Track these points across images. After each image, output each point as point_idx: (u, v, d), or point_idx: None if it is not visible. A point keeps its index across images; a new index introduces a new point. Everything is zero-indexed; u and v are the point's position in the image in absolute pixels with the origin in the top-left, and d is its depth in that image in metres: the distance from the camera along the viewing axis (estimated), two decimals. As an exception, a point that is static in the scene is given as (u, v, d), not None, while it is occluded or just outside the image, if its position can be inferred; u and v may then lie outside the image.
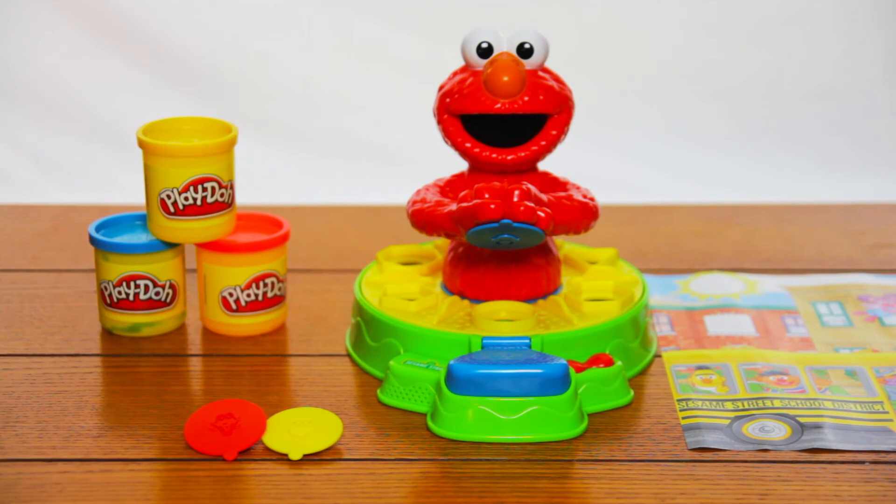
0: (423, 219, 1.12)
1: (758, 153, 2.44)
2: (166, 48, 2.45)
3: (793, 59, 2.46)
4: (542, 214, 1.04)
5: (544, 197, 1.09)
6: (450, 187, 1.16)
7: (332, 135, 2.46)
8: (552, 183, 1.15)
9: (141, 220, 1.21)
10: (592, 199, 1.13)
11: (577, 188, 1.14)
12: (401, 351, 1.12)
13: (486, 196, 1.05)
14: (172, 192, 1.15)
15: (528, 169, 1.14)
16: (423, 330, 1.12)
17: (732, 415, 1.08)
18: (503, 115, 1.11)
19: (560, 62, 1.18)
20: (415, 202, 1.14)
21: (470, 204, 1.05)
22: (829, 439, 1.04)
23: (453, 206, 1.09)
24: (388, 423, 1.07)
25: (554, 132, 1.12)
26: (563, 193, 1.12)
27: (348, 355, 1.18)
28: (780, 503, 0.97)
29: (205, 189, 1.15)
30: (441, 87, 1.13)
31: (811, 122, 2.44)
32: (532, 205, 1.04)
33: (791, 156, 2.43)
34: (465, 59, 1.13)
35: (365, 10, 2.46)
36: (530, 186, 1.06)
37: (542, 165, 1.17)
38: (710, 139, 2.45)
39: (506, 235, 1.06)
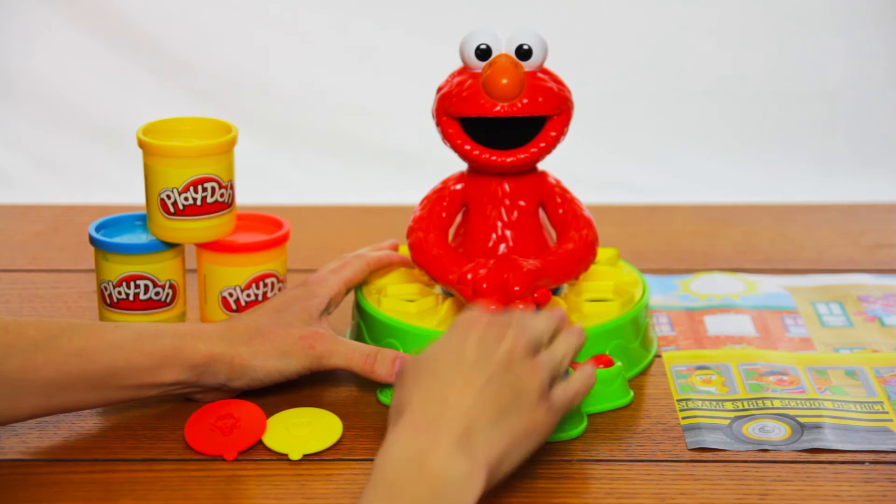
0: (421, 264, 1.14)
1: (758, 153, 2.44)
2: (166, 48, 2.45)
3: (793, 59, 2.46)
4: (541, 297, 1.08)
5: (539, 265, 1.10)
6: (450, 203, 1.15)
7: (332, 135, 2.46)
8: (547, 195, 1.15)
9: (141, 220, 1.21)
10: (588, 228, 1.13)
11: (573, 208, 1.14)
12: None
13: (484, 286, 1.08)
14: (172, 192, 1.15)
15: (527, 170, 1.14)
16: (423, 331, 1.12)
17: (732, 415, 1.08)
18: (502, 118, 1.11)
19: (560, 63, 1.17)
20: (415, 232, 1.14)
21: (470, 295, 1.08)
22: (829, 439, 1.04)
23: (453, 278, 1.11)
24: (388, 423, 1.07)
25: (553, 133, 1.12)
26: (559, 248, 1.13)
27: (348, 355, 1.18)
28: (780, 503, 0.97)
29: (205, 189, 1.15)
30: (439, 89, 1.13)
31: (811, 122, 2.45)
32: (531, 294, 1.08)
33: (791, 156, 2.43)
34: (464, 60, 1.13)
35: (365, 11, 2.46)
36: (526, 265, 1.08)
37: (542, 165, 1.17)
38: (710, 139, 2.45)
39: None
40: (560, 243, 1.14)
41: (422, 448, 0.88)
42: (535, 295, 1.09)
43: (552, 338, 1.00)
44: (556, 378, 0.97)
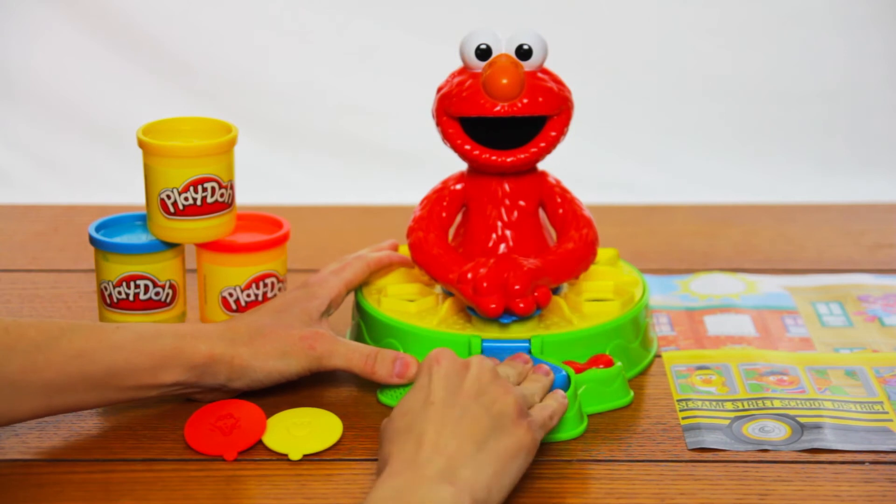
0: (421, 264, 1.14)
1: (758, 154, 2.44)
2: (166, 48, 2.45)
3: (793, 60, 2.46)
4: (541, 296, 1.09)
5: (540, 264, 1.10)
6: (450, 203, 1.15)
7: (332, 135, 2.46)
8: (547, 195, 1.15)
9: (141, 220, 1.21)
10: (588, 227, 1.14)
11: (573, 208, 1.14)
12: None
13: (485, 285, 1.08)
14: (172, 192, 1.15)
15: (527, 170, 1.14)
16: (423, 331, 1.12)
17: (732, 415, 1.08)
18: (502, 118, 1.11)
19: (560, 63, 1.18)
20: (415, 232, 1.14)
21: (470, 294, 1.09)
22: (829, 439, 1.04)
23: (454, 277, 1.11)
24: (388, 423, 1.07)
25: (553, 133, 1.12)
26: (560, 248, 1.13)
27: (348, 355, 1.18)
28: (780, 503, 0.97)
29: (205, 189, 1.15)
30: (440, 89, 1.13)
31: (811, 122, 2.45)
32: (531, 294, 1.08)
33: (791, 156, 2.43)
34: (464, 60, 1.13)
35: (365, 11, 2.46)
36: (526, 264, 1.08)
37: (542, 165, 1.17)
38: (710, 139, 2.45)
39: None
40: (560, 243, 1.14)
41: (403, 485, 0.87)
42: (536, 294, 1.09)
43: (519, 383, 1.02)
44: (529, 406, 0.98)
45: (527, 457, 0.93)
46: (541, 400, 1.00)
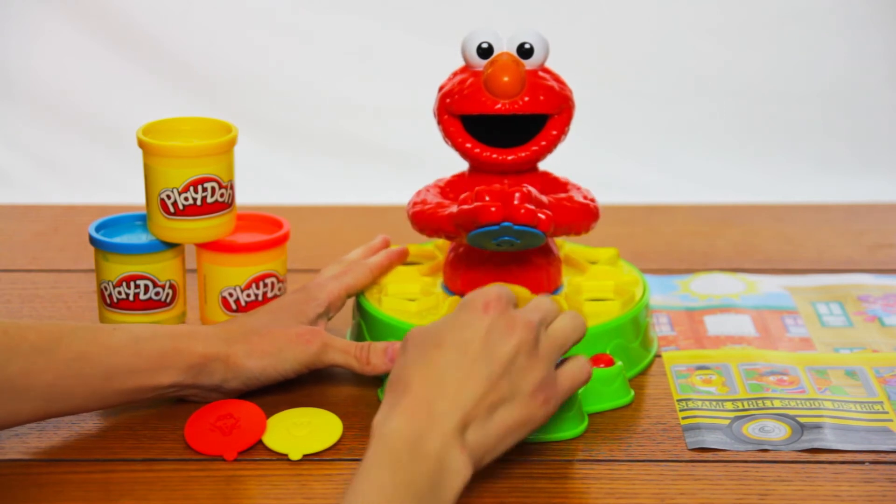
0: (424, 220, 1.12)
1: (758, 153, 2.44)
2: (166, 48, 2.45)
3: (793, 59, 2.46)
4: (543, 217, 1.05)
5: (545, 199, 1.09)
6: (450, 188, 1.16)
7: (332, 135, 2.46)
8: (552, 183, 1.15)
9: (141, 220, 1.21)
10: (593, 200, 1.13)
11: (578, 189, 1.15)
12: (401, 351, 1.12)
13: (487, 199, 1.05)
14: (172, 192, 1.15)
15: (528, 169, 1.14)
16: (423, 330, 1.11)
17: (732, 415, 1.08)
18: (503, 116, 1.11)
19: (560, 63, 1.18)
20: (415, 203, 1.14)
21: (470, 206, 1.06)
22: (829, 439, 1.04)
23: (454, 209, 1.09)
24: (388, 423, 1.07)
25: (554, 132, 1.12)
26: (563, 195, 1.12)
27: (348, 355, 1.18)
28: (780, 503, 0.97)
29: (205, 189, 1.15)
30: (441, 88, 1.13)
31: (811, 122, 2.45)
32: (532, 207, 1.05)
33: (791, 156, 2.44)
34: (465, 59, 1.13)
35: (365, 11, 2.46)
36: (531, 189, 1.07)
37: (543, 165, 1.17)
38: (710, 139, 2.46)
39: (506, 238, 1.06)
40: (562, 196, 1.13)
41: (420, 431, 0.88)
42: (536, 209, 1.05)
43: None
44: (558, 361, 0.96)
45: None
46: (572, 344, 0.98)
